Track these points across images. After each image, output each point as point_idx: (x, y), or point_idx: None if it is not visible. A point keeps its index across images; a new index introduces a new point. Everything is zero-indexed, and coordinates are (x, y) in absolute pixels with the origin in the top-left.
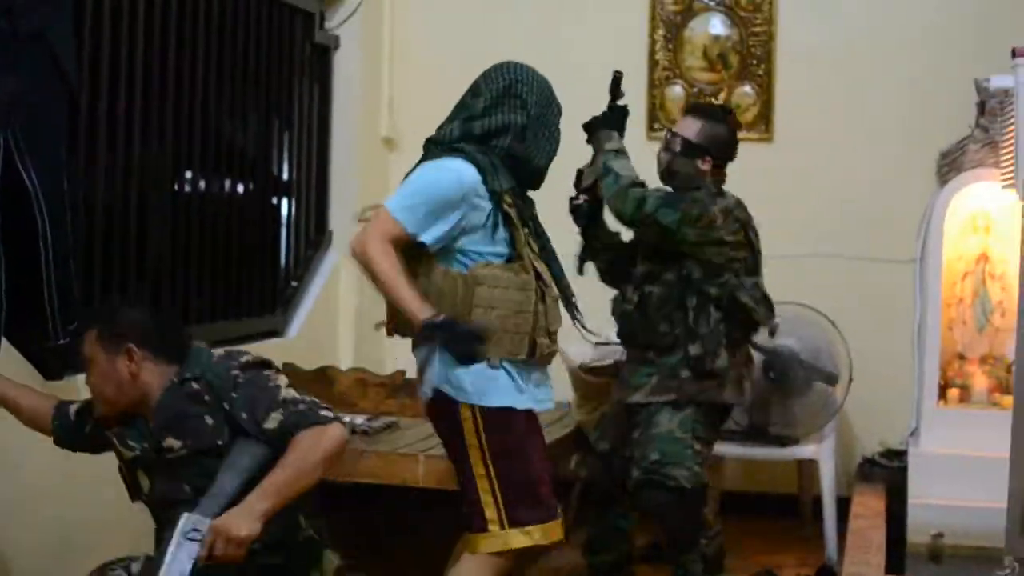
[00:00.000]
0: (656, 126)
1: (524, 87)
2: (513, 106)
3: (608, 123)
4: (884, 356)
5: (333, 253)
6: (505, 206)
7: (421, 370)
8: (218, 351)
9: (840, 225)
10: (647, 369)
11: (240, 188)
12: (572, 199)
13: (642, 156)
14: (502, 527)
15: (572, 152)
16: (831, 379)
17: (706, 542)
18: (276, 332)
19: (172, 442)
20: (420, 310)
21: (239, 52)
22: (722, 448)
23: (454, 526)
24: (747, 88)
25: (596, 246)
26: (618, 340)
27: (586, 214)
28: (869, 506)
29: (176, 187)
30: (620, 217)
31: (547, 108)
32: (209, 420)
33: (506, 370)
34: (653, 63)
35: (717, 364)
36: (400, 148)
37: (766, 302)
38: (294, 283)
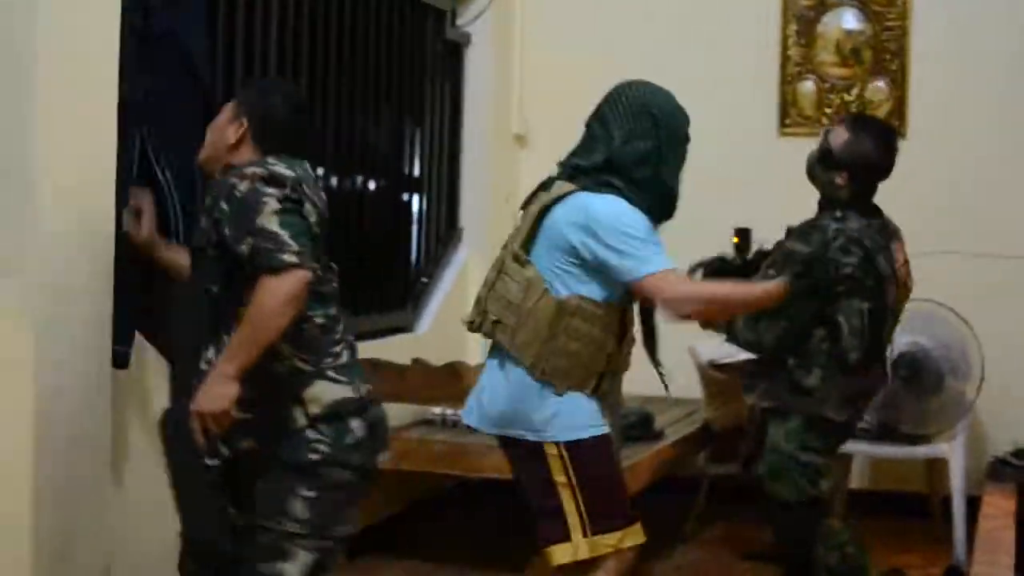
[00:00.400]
0: (787, 122)
1: (651, 105)
2: (645, 130)
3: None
4: (1017, 354)
5: (463, 249)
6: None
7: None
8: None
9: (975, 221)
10: (756, 376)
11: (372, 185)
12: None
13: (773, 154)
14: (584, 535)
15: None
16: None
17: (826, 552)
18: (406, 328)
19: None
20: (769, 286)
21: (371, 50)
22: (852, 446)
23: None
24: (880, 83)
25: None
26: None
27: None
28: (999, 506)
29: None
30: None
31: (675, 124)
32: (203, 221)
33: (579, 396)
34: (785, 58)
35: (808, 381)
36: (531, 145)
37: (859, 334)
38: (424, 279)
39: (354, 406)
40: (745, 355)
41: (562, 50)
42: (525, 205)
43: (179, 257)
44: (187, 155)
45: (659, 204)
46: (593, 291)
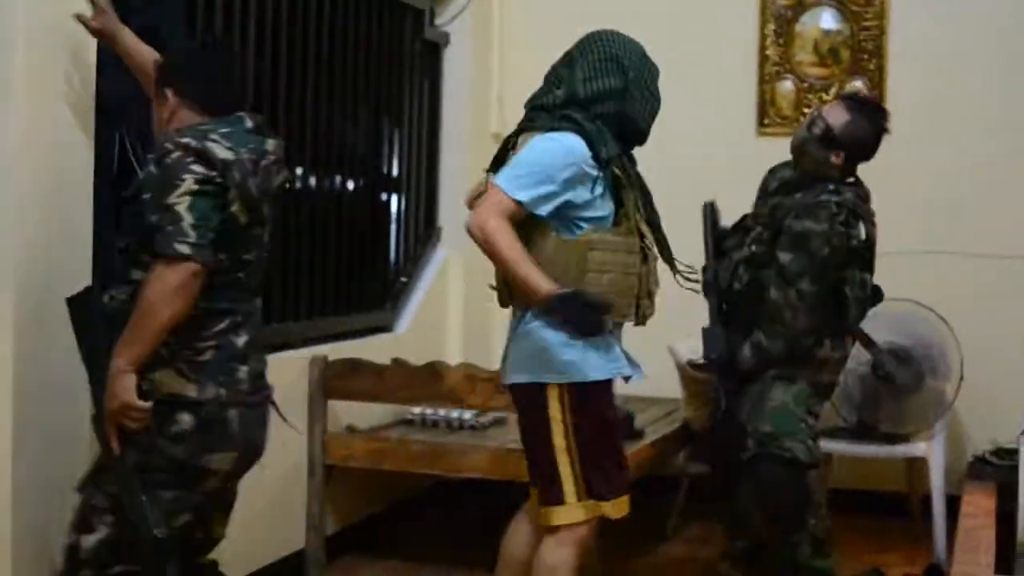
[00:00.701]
0: (766, 122)
1: (619, 51)
2: (610, 70)
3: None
4: (996, 353)
5: (442, 249)
6: (616, 171)
7: (506, 356)
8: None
9: (952, 221)
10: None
11: (350, 184)
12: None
13: (752, 153)
14: (579, 499)
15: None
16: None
17: (815, 522)
18: (385, 327)
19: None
20: (544, 284)
21: (349, 49)
22: (831, 446)
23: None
24: (858, 83)
25: None
26: None
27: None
28: (979, 505)
29: (287, 183)
30: None
31: (643, 69)
32: (141, 173)
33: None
34: (763, 58)
35: (821, 354)
36: None
37: (861, 304)
38: (403, 279)
39: (188, 403)
40: None
41: (540, 49)
42: (494, 165)
43: (141, 49)
44: None
45: (625, 135)
46: (598, 219)
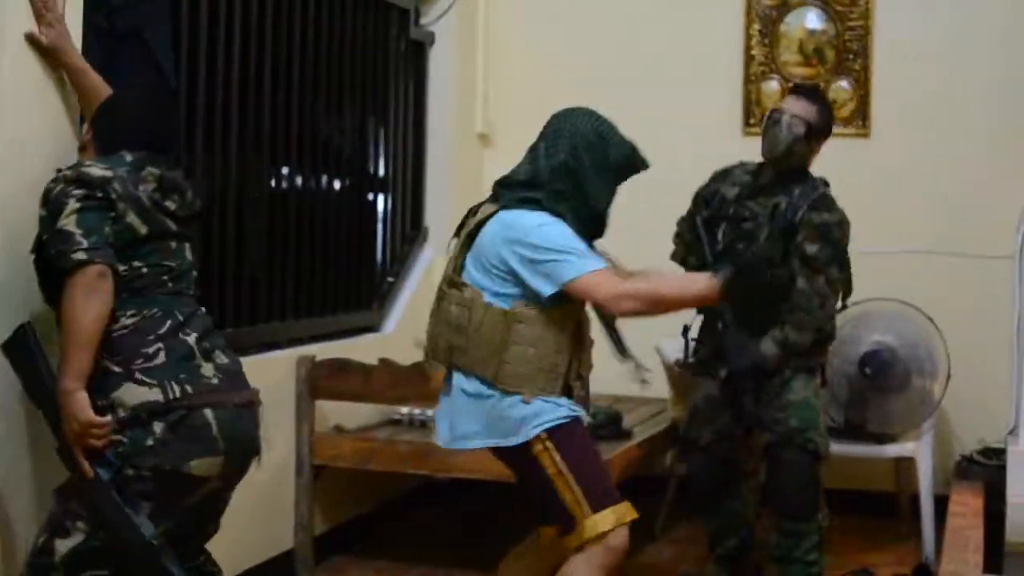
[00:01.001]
0: (751, 121)
1: (573, 129)
2: (564, 147)
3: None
4: (983, 353)
5: (429, 249)
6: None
7: (463, 424)
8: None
9: (937, 221)
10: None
11: (336, 184)
12: None
13: (739, 152)
14: (586, 515)
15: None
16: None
17: (823, 515)
18: (372, 327)
19: None
20: (709, 282)
21: (335, 49)
22: None
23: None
24: (844, 83)
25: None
26: None
27: None
28: (967, 505)
29: (273, 183)
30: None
31: (598, 147)
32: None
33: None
34: (749, 58)
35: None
36: (495, 144)
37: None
38: (390, 279)
39: (158, 408)
40: None
41: (526, 49)
42: (457, 232)
43: (89, 73)
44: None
45: (585, 220)
46: (534, 297)
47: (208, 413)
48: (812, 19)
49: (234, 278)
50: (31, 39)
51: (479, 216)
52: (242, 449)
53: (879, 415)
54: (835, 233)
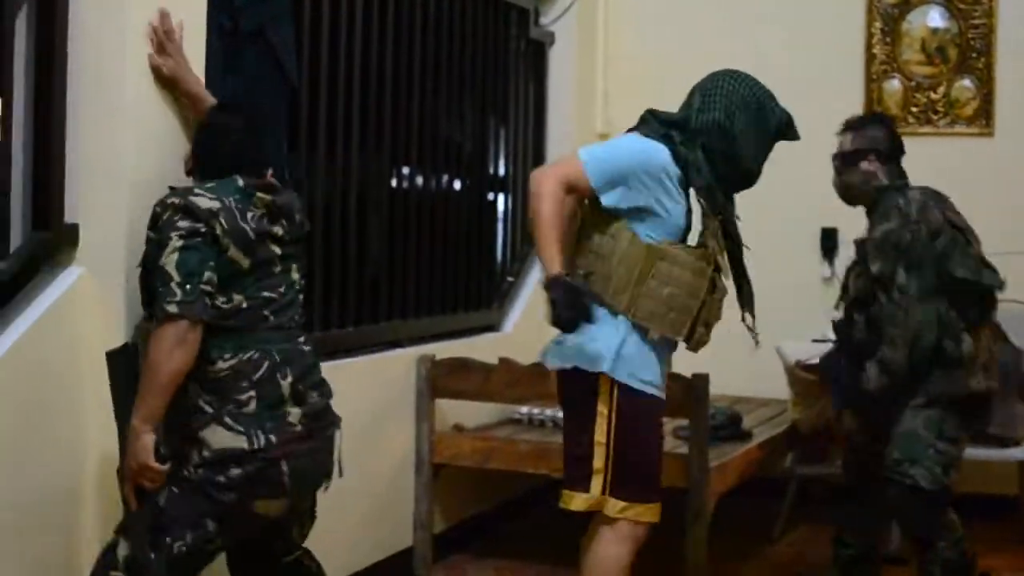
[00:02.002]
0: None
1: (732, 90)
2: (719, 106)
3: None
4: None
5: None
6: (700, 200)
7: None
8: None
9: None
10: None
11: (457, 184)
12: None
13: None
14: (602, 493)
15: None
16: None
17: (945, 545)
18: (493, 327)
19: None
20: (555, 263)
21: (456, 49)
22: None
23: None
24: (966, 82)
25: None
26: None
27: None
28: None
29: (394, 183)
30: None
31: (756, 111)
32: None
33: (657, 353)
34: (870, 57)
35: (964, 350)
36: None
37: (989, 267)
38: (510, 278)
39: (240, 456)
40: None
41: (645, 48)
42: None
43: (205, 98)
44: (276, 153)
45: (728, 173)
46: (672, 235)
47: (283, 465)
48: (934, 17)
49: (356, 277)
50: (152, 66)
51: None
52: (309, 488)
53: (1002, 418)
54: (892, 239)
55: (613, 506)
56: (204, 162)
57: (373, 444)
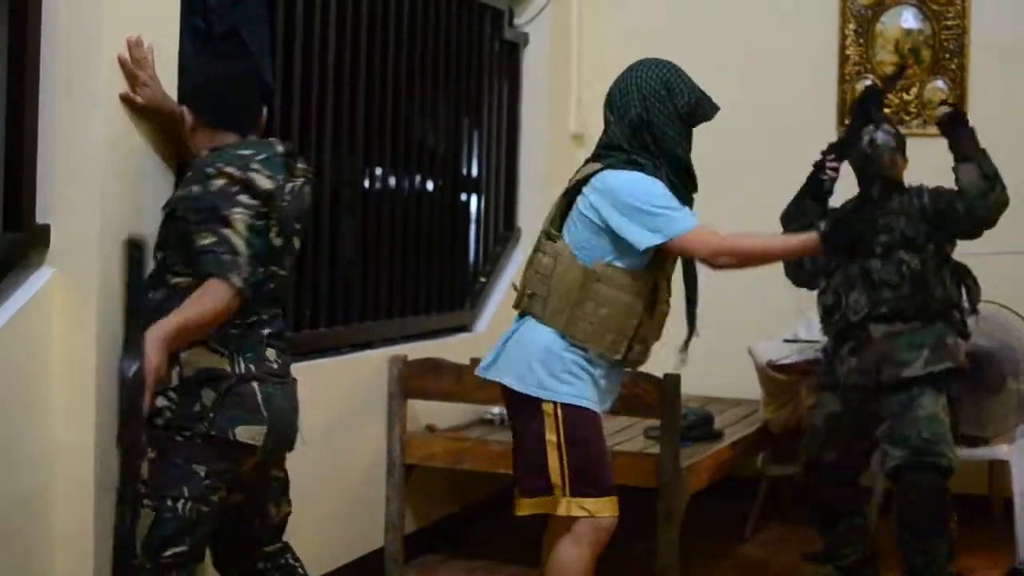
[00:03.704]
0: (847, 121)
1: (641, 79)
2: (635, 99)
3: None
4: None
5: (521, 249)
6: None
7: (504, 359)
8: (242, 153)
9: None
10: (915, 339)
11: (430, 185)
12: (819, 173)
13: None
14: (564, 493)
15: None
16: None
17: (952, 526)
18: (465, 327)
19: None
20: (796, 239)
21: (429, 49)
22: None
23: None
24: (940, 83)
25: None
26: (809, 338)
27: (828, 193)
28: None
29: (367, 184)
30: (974, 219)
31: (665, 95)
32: (178, 190)
33: (591, 375)
34: (844, 58)
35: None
36: (589, 144)
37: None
38: (483, 279)
39: (216, 376)
40: (804, 355)
41: (620, 49)
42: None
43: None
44: None
45: (676, 175)
46: (620, 259)
47: (254, 385)
48: (908, 18)
49: (328, 278)
50: (126, 100)
51: (580, 174)
52: (283, 422)
53: (973, 418)
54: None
55: (575, 504)
56: (209, 116)
57: (345, 445)
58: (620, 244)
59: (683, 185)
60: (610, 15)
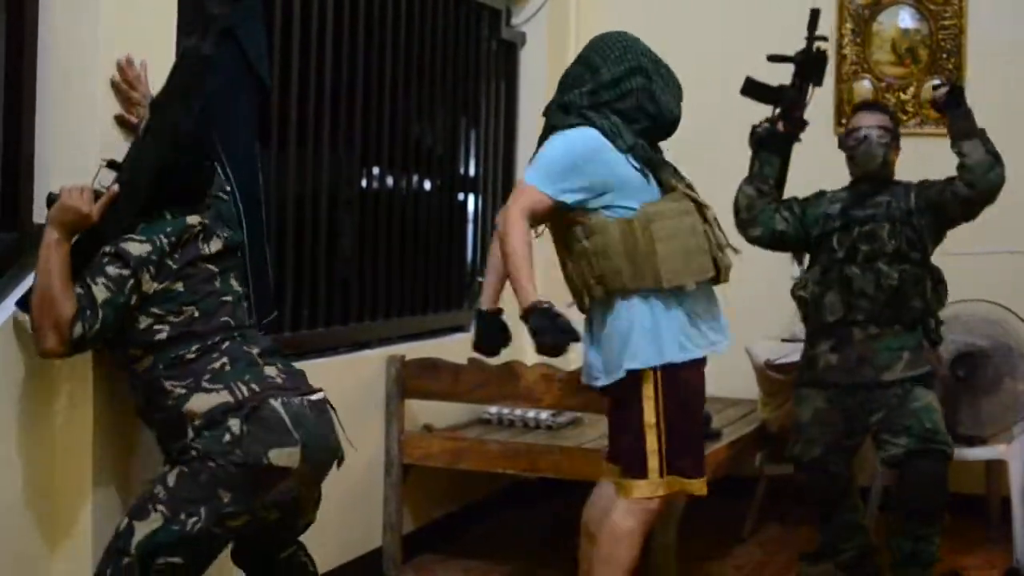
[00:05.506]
0: (843, 121)
1: (639, 53)
2: (635, 71)
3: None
4: None
5: None
6: (641, 155)
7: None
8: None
9: None
10: (893, 344)
11: (427, 185)
12: (765, 125)
13: (832, 151)
14: (661, 475)
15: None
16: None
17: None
18: (463, 327)
19: None
20: (531, 294)
21: (426, 49)
22: None
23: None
24: (937, 82)
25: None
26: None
27: (781, 144)
28: None
29: (364, 183)
30: (981, 195)
31: (658, 60)
32: None
33: (685, 312)
34: (841, 57)
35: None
36: None
37: None
38: (480, 279)
39: (230, 407)
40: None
41: None
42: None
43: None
44: (248, 153)
45: (654, 128)
46: (637, 198)
47: (275, 403)
48: (905, 18)
49: (326, 278)
50: (120, 120)
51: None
52: (319, 445)
53: (970, 417)
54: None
55: (672, 484)
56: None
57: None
58: (626, 188)
59: (659, 135)
60: (607, 15)
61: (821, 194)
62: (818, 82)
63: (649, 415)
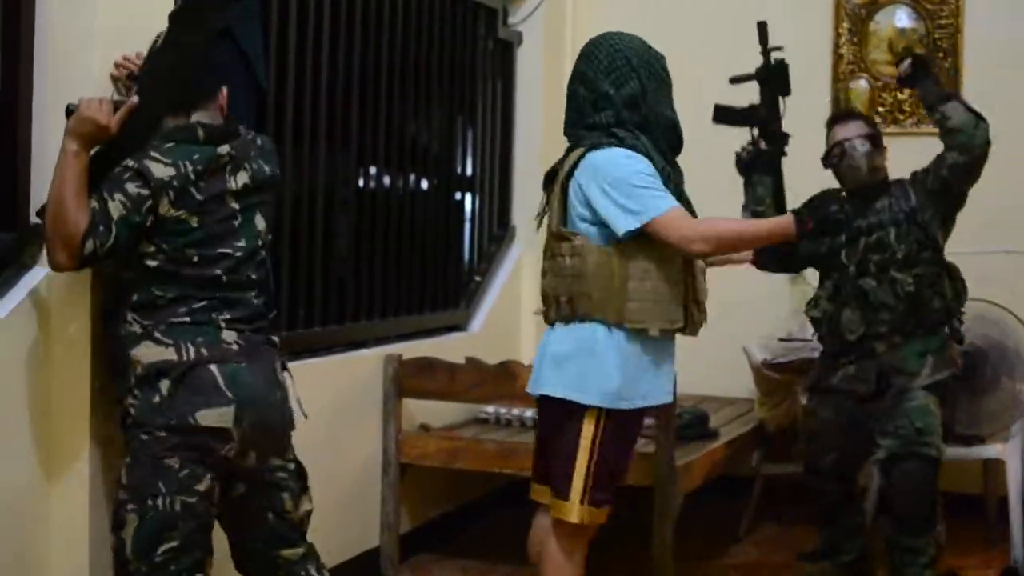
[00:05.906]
0: None
1: (628, 52)
2: (632, 76)
3: (778, 83)
4: None
5: (516, 248)
6: (673, 179)
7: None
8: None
9: None
10: (918, 347)
11: (424, 184)
12: (748, 148)
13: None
14: (581, 502)
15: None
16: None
17: (940, 528)
18: (459, 326)
19: None
20: (774, 221)
21: (423, 48)
22: None
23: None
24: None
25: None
26: (803, 337)
27: (768, 164)
28: None
29: (361, 183)
30: (975, 155)
31: (652, 63)
32: None
33: (654, 356)
34: (838, 57)
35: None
36: None
37: None
38: (477, 278)
39: (168, 367)
40: (798, 354)
41: None
42: (546, 185)
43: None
44: None
45: (666, 138)
46: (641, 234)
47: (213, 368)
48: (902, 18)
49: (322, 277)
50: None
51: (568, 163)
52: (258, 405)
53: (967, 417)
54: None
55: (581, 512)
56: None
57: (339, 444)
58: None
59: (672, 149)
60: (604, 14)
61: (823, 195)
62: (785, 92)
63: (584, 449)
